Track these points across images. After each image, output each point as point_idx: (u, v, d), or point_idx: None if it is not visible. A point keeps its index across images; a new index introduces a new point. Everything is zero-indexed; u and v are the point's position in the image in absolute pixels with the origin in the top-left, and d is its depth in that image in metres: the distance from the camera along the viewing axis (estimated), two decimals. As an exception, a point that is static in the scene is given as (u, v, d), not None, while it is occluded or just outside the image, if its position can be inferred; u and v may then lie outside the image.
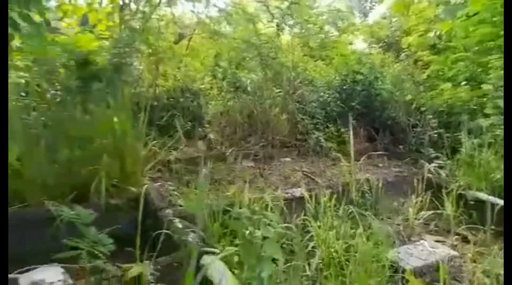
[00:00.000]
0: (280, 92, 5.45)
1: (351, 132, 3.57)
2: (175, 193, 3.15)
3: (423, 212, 2.96)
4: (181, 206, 2.82)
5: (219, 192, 3.25)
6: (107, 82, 3.10)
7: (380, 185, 3.21)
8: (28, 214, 2.54)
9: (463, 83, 4.77)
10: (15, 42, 2.73)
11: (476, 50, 4.64)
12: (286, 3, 5.42)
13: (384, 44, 7.83)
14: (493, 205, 2.75)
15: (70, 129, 2.88)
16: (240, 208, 2.47)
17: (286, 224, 2.31)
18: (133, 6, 4.24)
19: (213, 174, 3.75)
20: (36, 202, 2.58)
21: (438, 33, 5.42)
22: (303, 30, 5.93)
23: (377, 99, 5.44)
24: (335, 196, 2.79)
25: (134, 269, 1.71)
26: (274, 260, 1.60)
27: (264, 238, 1.60)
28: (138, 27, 4.16)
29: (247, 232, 1.63)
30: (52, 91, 3.17)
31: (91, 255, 1.73)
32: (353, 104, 5.37)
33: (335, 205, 2.69)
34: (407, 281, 1.99)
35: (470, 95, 4.53)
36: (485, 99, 4.28)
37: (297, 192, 3.20)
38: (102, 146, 2.91)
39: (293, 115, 5.24)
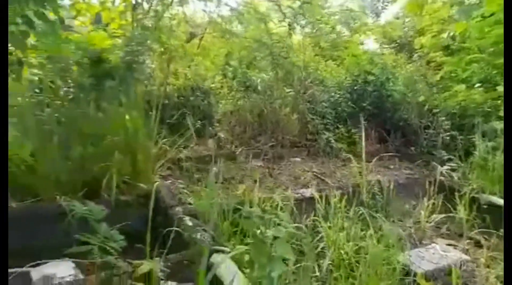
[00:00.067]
0: (290, 91, 5.44)
1: (363, 133, 3.54)
2: (185, 191, 3.17)
3: (434, 215, 2.92)
4: (191, 204, 2.83)
5: (229, 191, 3.26)
6: (120, 80, 3.13)
7: (391, 187, 3.16)
8: (40, 208, 2.57)
9: (477, 85, 4.69)
10: (30, 40, 2.75)
11: (491, 52, 4.55)
12: (298, 3, 5.39)
13: (397, 44, 7.75)
14: (507, 209, 2.69)
15: (83, 126, 2.90)
16: (251, 207, 2.47)
17: (296, 225, 2.30)
18: (145, 5, 4.29)
19: (223, 173, 3.75)
20: (49, 197, 2.61)
21: (452, 34, 5.32)
22: (315, 30, 5.91)
23: (388, 100, 5.38)
24: (345, 197, 2.77)
25: (144, 266, 1.72)
26: (284, 260, 1.59)
27: (275, 238, 1.60)
28: (150, 25, 4.20)
29: (258, 231, 1.62)
30: (66, 89, 3.20)
31: (102, 251, 1.75)
32: (364, 104, 5.32)
33: (345, 206, 2.66)
34: (418, 284, 1.96)
35: (484, 97, 4.45)
36: (499, 101, 4.21)
37: (307, 192, 3.19)
38: (114, 143, 2.93)
39: (303, 115, 5.22)
